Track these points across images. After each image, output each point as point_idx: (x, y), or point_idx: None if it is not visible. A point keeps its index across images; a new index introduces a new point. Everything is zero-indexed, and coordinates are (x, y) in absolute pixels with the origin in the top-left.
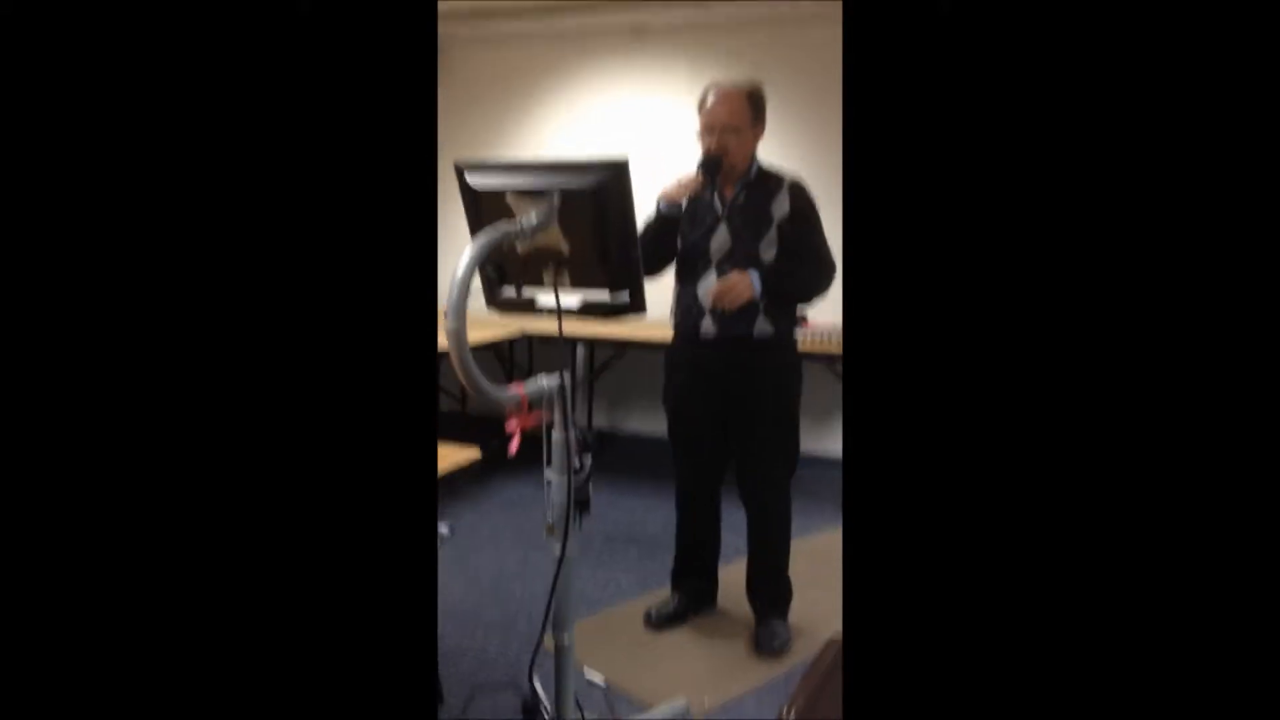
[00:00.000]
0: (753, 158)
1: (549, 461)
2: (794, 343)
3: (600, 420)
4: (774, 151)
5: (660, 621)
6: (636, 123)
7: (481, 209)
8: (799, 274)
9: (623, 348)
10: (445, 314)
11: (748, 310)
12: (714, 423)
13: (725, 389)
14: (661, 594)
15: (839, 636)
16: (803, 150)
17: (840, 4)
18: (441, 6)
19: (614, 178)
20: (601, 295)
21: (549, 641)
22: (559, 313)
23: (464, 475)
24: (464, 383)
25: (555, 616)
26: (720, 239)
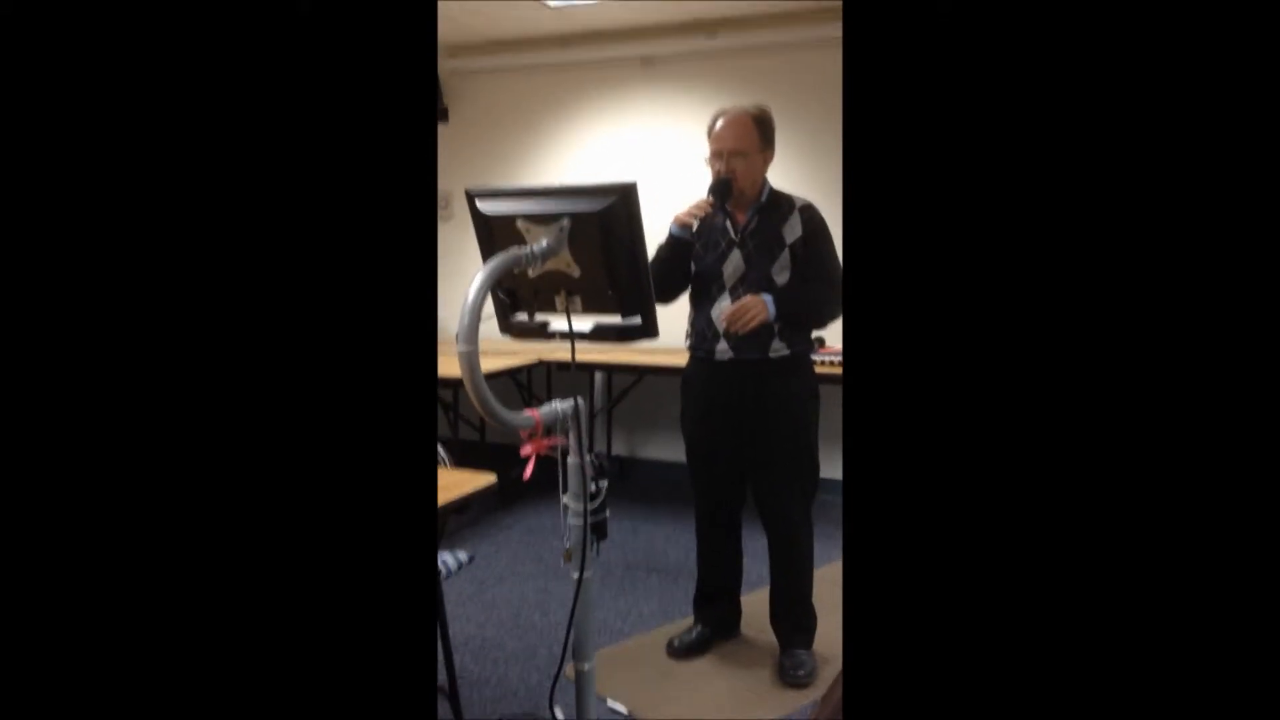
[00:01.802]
0: (764, 182)
1: (564, 488)
2: (810, 365)
3: (620, 448)
4: (783, 176)
5: (683, 650)
6: (647, 151)
7: (493, 235)
8: (813, 296)
9: (641, 374)
10: (458, 339)
11: (762, 333)
12: (730, 446)
13: (741, 412)
14: (684, 623)
15: None
16: (812, 174)
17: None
18: (453, 39)
19: (622, 201)
20: (614, 320)
21: (570, 670)
22: (571, 337)
23: (482, 504)
24: (478, 407)
25: (575, 643)
26: (734, 263)
